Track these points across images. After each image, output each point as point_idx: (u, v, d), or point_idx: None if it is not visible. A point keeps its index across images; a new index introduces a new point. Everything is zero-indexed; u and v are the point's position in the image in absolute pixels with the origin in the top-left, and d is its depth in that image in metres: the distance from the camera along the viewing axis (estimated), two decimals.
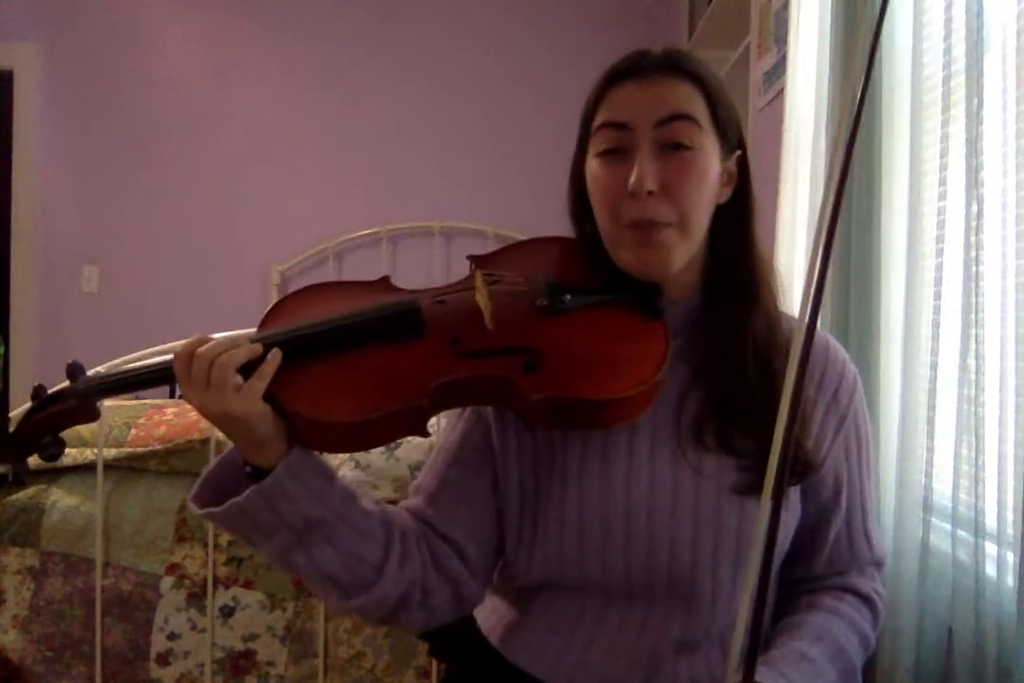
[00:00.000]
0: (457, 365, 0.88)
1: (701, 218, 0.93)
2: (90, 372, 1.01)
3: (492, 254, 1.02)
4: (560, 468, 0.94)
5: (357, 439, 0.88)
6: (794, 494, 0.96)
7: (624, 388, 0.87)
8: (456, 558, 0.96)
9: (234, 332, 1.53)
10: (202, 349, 0.85)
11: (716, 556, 0.92)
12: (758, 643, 0.71)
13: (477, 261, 1.00)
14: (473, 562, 0.97)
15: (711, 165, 0.93)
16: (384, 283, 0.99)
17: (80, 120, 3.79)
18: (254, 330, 0.93)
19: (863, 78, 0.69)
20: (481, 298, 0.93)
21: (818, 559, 1.00)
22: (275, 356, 0.86)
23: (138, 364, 0.92)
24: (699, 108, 0.92)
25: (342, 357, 0.89)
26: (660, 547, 0.91)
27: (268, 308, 0.96)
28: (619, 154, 0.91)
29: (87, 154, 3.79)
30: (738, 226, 0.97)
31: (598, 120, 0.93)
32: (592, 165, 0.94)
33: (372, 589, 0.90)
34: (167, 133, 3.78)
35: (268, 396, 0.85)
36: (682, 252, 0.93)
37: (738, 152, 0.96)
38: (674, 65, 0.92)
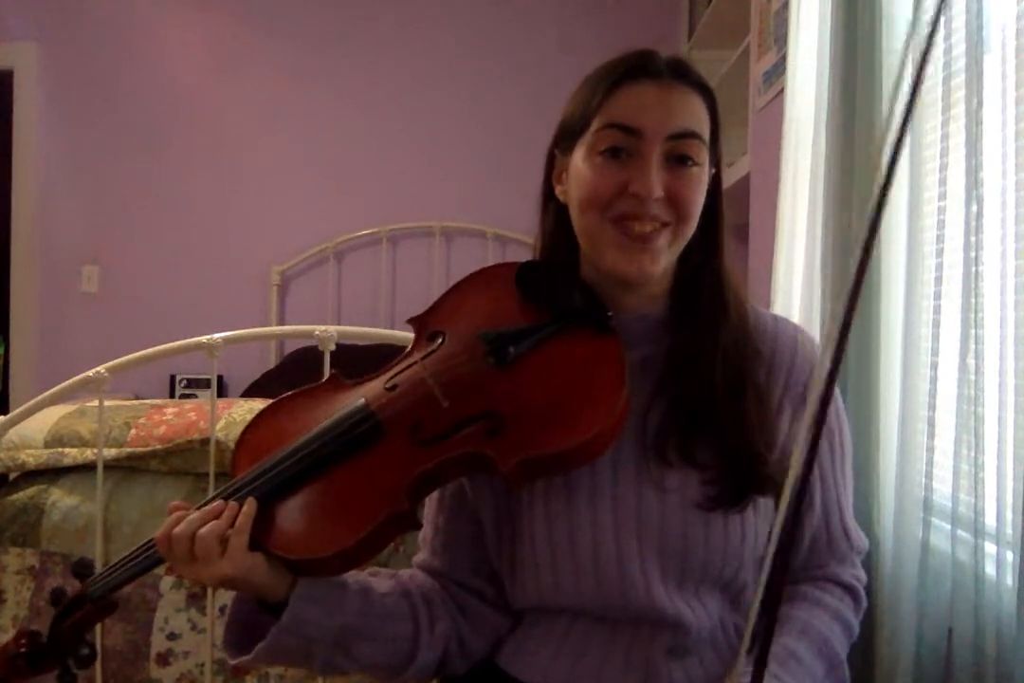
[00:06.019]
0: (423, 456, 0.87)
1: (692, 227, 0.93)
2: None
3: (430, 310, 1.00)
4: (527, 499, 0.94)
5: (353, 561, 0.89)
6: (766, 498, 0.95)
7: (594, 425, 0.86)
8: (476, 599, 0.99)
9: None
10: (177, 530, 0.86)
11: (683, 578, 0.92)
12: (767, 653, 0.71)
13: (417, 322, 0.99)
14: (492, 597, 1.00)
15: (706, 180, 0.93)
16: (334, 383, 0.98)
17: (80, 120, 3.79)
18: (246, 401, 0.94)
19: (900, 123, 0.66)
20: (428, 375, 0.92)
21: (797, 555, 1.00)
22: (250, 506, 0.87)
23: (133, 554, 0.93)
24: (705, 124, 0.92)
25: (314, 484, 0.89)
26: (630, 571, 0.91)
27: (235, 446, 0.96)
28: (621, 155, 0.90)
29: (87, 154, 3.79)
30: (706, 240, 0.97)
31: (604, 118, 0.91)
32: (587, 162, 0.92)
33: (415, 660, 0.94)
34: (167, 133, 3.78)
35: (255, 546, 0.86)
36: (668, 258, 0.93)
37: (713, 170, 0.96)
38: (686, 74, 0.92)
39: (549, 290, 0.95)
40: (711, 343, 0.94)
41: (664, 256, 0.92)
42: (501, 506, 0.97)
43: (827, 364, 0.63)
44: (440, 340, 0.95)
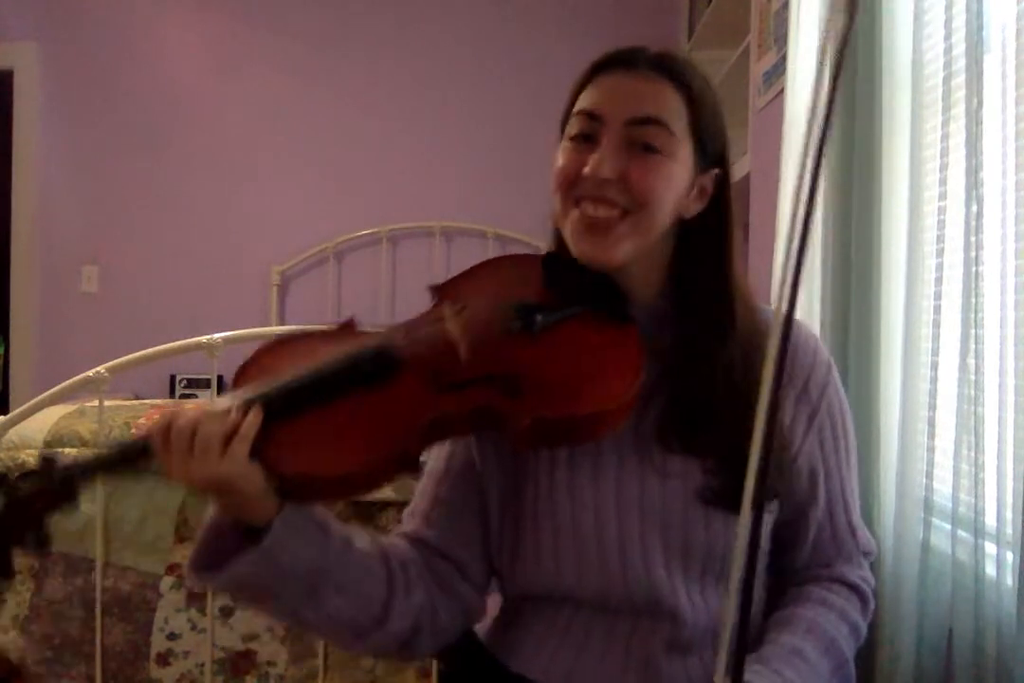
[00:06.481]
0: (440, 401, 0.87)
1: (659, 217, 0.91)
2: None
3: (453, 280, 1.00)
4: (533, 479, 0.94)
5: (350, 490, 0.88)
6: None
7: (608, 399, 0.86)
8: (458, 575, 0.97)
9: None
10: (181, 421, 0.81)
11: (686, 566, 0.92)
12: (745, 645, 0.71)
13: (439, 290, 0.99)
14: (474, 577, 0.98)
15: (679, 173, 0.91)
16: (350, 327, 0.98)
17: (80, 120, 3.79)
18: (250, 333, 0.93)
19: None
20: (453, 329, 0.92)
21: (801, 551, 1.00)
22: (256, 415, 0.83)
23: (109, 447, 0.89)
24: (678, 116, 0.91)
25: (323, 409, 0.87)
26: (632, 557, 0.91)
27: (238, 369, 0.93)
28: (588, 142, 0.91)
29: (87, 154, 3.79)
30: (711, 245, 0.95)
31: (577, 106, 0.93)
32: (560, 148, 0.94)
33: (384, 626, 0.91)
34: (167, 133, 3.78)
35: (254, 455, 0.82)
36: (628, 245, 0.91)
37: (717, 170, 0.95)
38: (666, 67, 0.91)
39: (575, 276, 0.95)
40: (714, 349, 0.93)
41: (625, 244, 0.91)
42: (508, 487, 0.96)
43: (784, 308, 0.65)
44: (462, 305, 0.95)
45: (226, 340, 1.52)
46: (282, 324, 3.73)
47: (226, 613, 1.61)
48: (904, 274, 1.24)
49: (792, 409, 0.97)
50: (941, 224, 1.18)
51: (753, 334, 0.95)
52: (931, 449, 1.17)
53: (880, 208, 1.32)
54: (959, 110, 1.11)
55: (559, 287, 0.95)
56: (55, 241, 3.80)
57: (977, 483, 1.03)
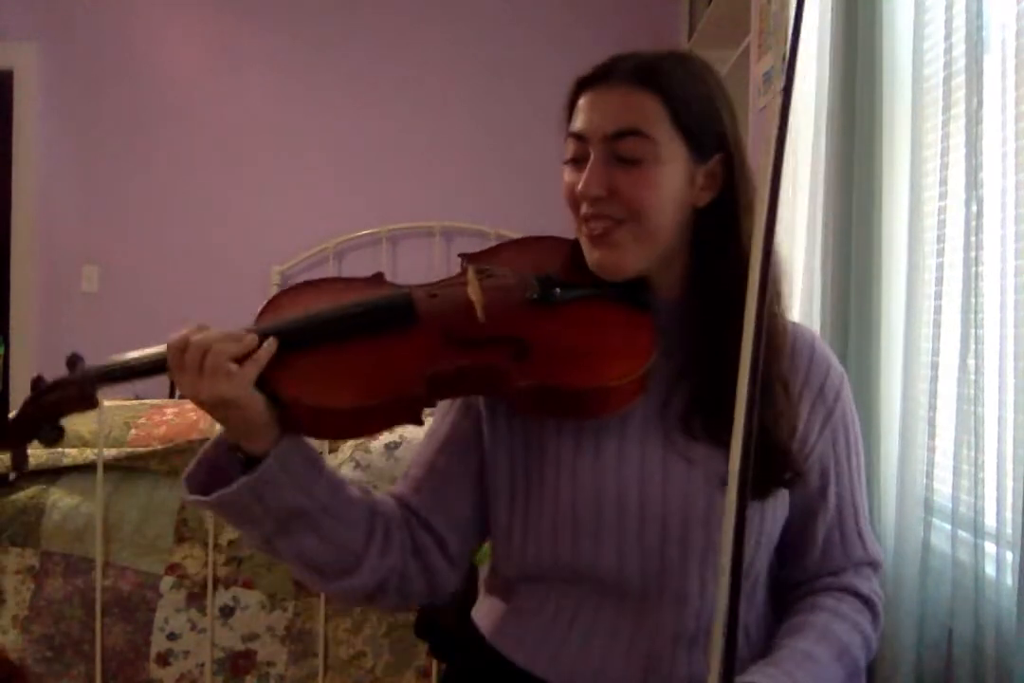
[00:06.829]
0: (450, 355, 0.90)
1: (659, 221, 0.92)
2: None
3: (484, 252, 1.04)
4: (552, 456, 0.95)
5: (352, 426, 0.90)
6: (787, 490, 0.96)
7: (610, 378, 0.89)
8: (436, 548, 0.97)
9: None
10: (197, 337, 0.85)
11: (705, 554, 0.92)
12: (735, 641, 0.72)
13: (469, 258, 1.03)
14: (452, 552, 0.98)
15: (670, 176, 0.92)
16: (378, 279, 1.02)
17: (80, 120, 3.79)
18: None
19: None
20: (473, 292, 0.96)
21: (810, 557, 1.00)
22: (270, 344, 0.87)
23: (137, 357, 0.94)
24: (657, 121, 0.91)
25: (337, 347, 0.91)
26: (651, 539, 0.92)
27: (265, 302, 0.97)
28: (580, 163, 0.94)
29: (87, 154, 3.79)
30: (722, 228, 0.95)
31: (569, 127, 0.96)
32: (564, 170, 0.97)
33: (352, 576, 0.93)
34: (167, 133, 3.78)
35: (263, 384, 0.85)
36: (637, 254, 0.93)
37: (719, 155, 0.94)
38: (640, 74, 0.92)
39: None
40: (728, 345, 0.90)
41: (629, 252, 0.93)
42: (518, 465, 0.97)
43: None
44: (488, 273, 0.99)
45: None
46: None
47: (226, 613, 1.61)
48: (904, 274, 1.24)
49: (808, 409, 0.98)
50: (941, 224, 1.18)
51: (772, 317, 0.94)
52: (931, 449, 1.17)
53: (880, 208, 1.32)
54: (959, 110, 1.11)
55: (585, 270, 0.97)
56: (55, 241, 3.80)
57: (977, 483, 1.03)
